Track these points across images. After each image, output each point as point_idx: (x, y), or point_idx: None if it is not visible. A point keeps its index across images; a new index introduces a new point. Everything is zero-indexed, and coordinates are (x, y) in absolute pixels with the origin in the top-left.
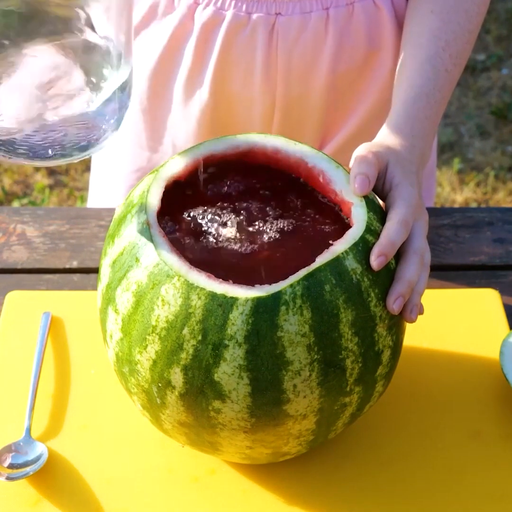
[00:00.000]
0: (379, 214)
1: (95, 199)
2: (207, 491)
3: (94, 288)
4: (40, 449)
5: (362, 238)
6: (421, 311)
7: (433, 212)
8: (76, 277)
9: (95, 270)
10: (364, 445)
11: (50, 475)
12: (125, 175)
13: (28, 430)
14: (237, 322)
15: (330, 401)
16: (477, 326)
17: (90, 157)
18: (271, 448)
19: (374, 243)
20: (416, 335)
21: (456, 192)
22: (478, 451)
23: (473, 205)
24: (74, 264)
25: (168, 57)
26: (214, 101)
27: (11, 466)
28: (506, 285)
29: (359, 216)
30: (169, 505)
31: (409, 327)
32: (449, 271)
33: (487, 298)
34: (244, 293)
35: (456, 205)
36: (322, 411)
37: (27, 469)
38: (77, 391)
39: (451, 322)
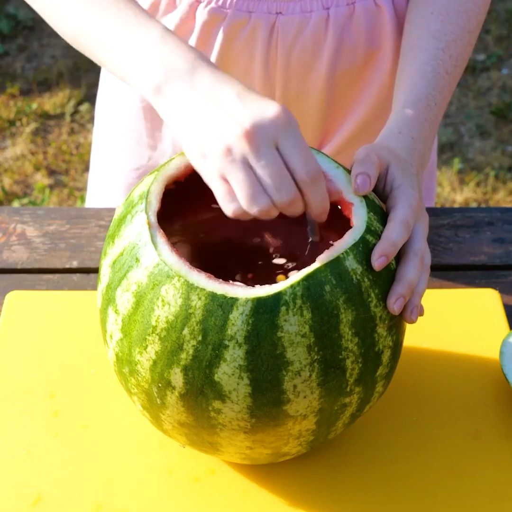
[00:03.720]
0: (380, 215)
1: (94, 197)
2: (207, 491)
3: (94, 288)
4: None
5: (363, 239)
6: (421, 312)
7: (433, 212)
8: (76, 277)
9: (95, 270)
10: (364, 445)
11: (50, 475)
12: (125, 172)
13: None
14: (237, 323)
15: (330, 401)
16: (477, 326)
17: (90, 155)
18: (271, 448)
19: (374, 244)
20: (416, 335)
21: (456, 192)
22: (478, 451)
23: (473, 205)
24: (74, 264)
25: None
26: None
27: None
28: (506, 285)
29: (359, 217)
30: (169, 505)
31: (409, 327)
32: (449, 271)
33: (487, 298)
34: (244, 293)
35: (456, 205)
36: (322, 411)
37: None
38: (77, 391)
39: (451, 322)
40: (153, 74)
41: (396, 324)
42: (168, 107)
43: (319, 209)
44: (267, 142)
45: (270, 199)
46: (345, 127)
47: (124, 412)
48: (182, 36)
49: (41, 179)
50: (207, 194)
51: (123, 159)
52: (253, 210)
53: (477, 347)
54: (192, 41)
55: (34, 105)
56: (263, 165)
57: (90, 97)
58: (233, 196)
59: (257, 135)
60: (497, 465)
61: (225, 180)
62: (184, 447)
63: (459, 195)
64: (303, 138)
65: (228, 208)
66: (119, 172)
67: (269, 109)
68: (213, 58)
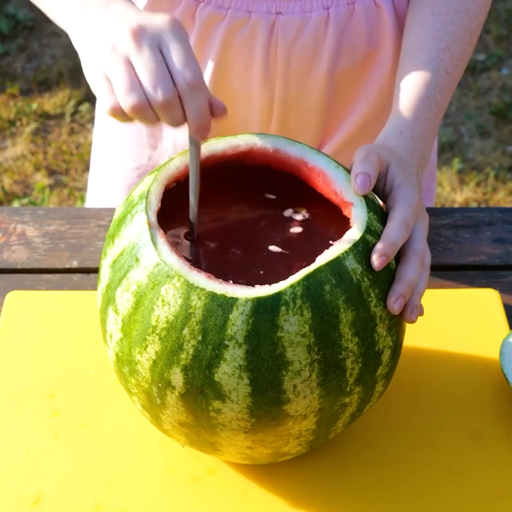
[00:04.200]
0: (379, 215)
1: (94, 197)
2: (207, 491)
3: (94, 288)
4: None
5: (362, 239)
6: (421, 312)
7: (433, 212)
8: (76, 277)
9: (95, 270)
10: (364, 445)
11: (50, 475)
12: (125, 172)
13: None
14: (237, 322)
15: (330, 401)
16: (477, 326)
17: (90, 155)
18: (271, 448)
19: (374, 243)
20: (416, 335)
21: (456, 192)
22: (478, 451)
23: (473, 205)
24: (74, 264)
25: None
26: None
27: None
28: (506, 285)
29: (359, 216)
30: (169, 505)
31: (409, 327)
32: (449, 271)
33: (487, 298)
34: (244, 293)
35: (456, 205)
36: (322, 411)
37: None
38: (77, 391)
39: (451, 322)
40: (72, 3)
41: (396, 324)
42: (78, 29)
43: (196, 120)
44: (151, 41)
45: (146, 96)
46: (345, 127)
47: (124, 412)
48: None
49: (41, 179)
50: (207, 194)
51: (123, 158)
52: (127, 104)
53: (477, 347)
54: (192, 40)
55: (34, 105)
56: (142, 61)
57: (90, 97)
58: (112, 91)
59: (141, 32)
60: (497, 465)
61: (107, 79)
62: (184, 447)
63: (459, 195)
64: (190, 46)
65: (105, 103)
66: (119, 171)
67: (159, 16)
68: (212, 57)
